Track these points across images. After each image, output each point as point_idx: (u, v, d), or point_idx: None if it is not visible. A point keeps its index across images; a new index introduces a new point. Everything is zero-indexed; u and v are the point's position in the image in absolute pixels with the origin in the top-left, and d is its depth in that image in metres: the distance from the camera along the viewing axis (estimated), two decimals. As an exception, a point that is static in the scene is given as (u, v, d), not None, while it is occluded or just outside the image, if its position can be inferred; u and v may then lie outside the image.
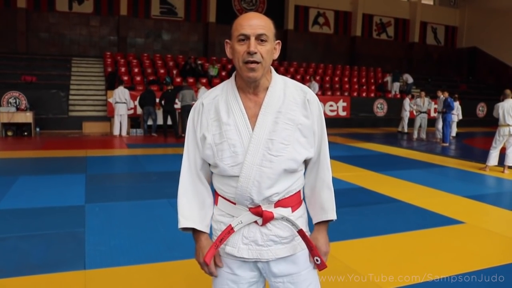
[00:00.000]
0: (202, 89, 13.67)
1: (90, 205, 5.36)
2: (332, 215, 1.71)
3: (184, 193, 1.68)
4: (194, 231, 1.67)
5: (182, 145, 1.73)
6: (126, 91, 13.60)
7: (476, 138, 15.15)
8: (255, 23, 1.51)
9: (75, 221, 4.69)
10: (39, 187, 6.30)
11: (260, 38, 1.51)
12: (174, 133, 13.43)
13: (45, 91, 14.71)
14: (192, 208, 1.67)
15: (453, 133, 14.95)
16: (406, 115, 15.87)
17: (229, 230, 1.61)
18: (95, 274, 3.37)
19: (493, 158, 8.41)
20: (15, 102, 13.62)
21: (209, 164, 1.68)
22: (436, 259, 3.83)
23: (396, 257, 3.91)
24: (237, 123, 1.56)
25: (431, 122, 15.36)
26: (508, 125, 8.28)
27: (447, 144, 12.88)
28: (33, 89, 14.60)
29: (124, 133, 13.66)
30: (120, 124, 13.62)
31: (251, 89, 1.59)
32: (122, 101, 13.44)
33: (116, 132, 13.62)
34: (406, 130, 15.78)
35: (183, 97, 13.13)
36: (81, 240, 4.09)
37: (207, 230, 1.68)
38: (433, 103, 15.22)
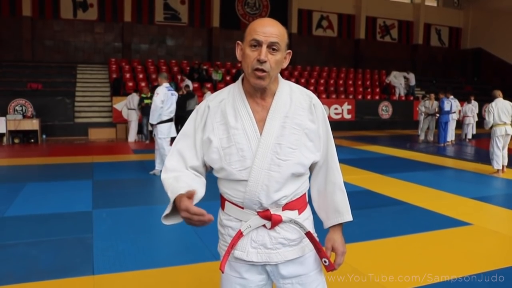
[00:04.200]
0: (208, 94, 13.74)
1: (97, 210, 5.39)
2: (348, 217, 1.72)
3: (172, 172, 1.61)
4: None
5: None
6: (136, 98, 13.71)
7: (481, 139, 15.07)
8: (269, 30, 1.51)
9: (83, 227, 4.71)
10: (46, 193, 6.34)
11: (272, 47, 1.51)
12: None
13: (51, 98, 14.81)
14: (182, 182, 1.55)
15: (469, 136, 15.02)
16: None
17: (239, 235, 1.61)
18: (104, 279, 3.38)
19: (500, 158, 8.30)
20: (22, 110, 13.72)
21: (211, 168, 1.67)
22: (441, 261, 3.82)
23: (401, 259, 3.90)
24: (245, 127, 1.57)
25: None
26: (505, 123, 8.24)
27: (441, 145, 13.05)
28: (39, 96, 14.71)
29: (133, 139, 13.74)
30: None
31: (258, 93, 1.60)
32: (132, 107, 13.59)
33: (132, 138, 13.69)
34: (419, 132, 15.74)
35: (191, 103, 13.20)
36: (89, 246, 4.11)
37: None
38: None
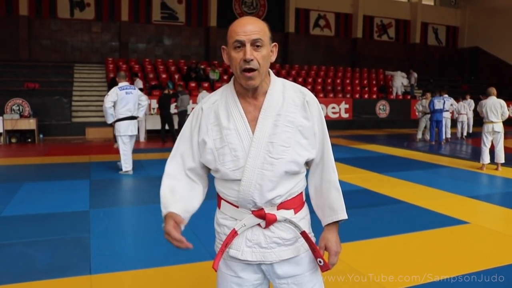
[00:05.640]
0: (204, 93, 13.68)
1: (95, 210, 5.38)
2: (343, 215, 1.70)
3: (170, 179, 1.67)
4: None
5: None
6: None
7: (478, 138, 15.10)
8: (249, 28, 1.51)
9: (80, 227, 4.70)
10: (43, 193, 6.32)
11: (255, 44, 1.51)
12: (172, 138, 13.41)
13: (48, 97, 14.79)
14: (176, 195, 1.64)
15: (464, 133, 15.15)
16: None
17: (233, 234, 1.61)
18: (101, 279, 3.38)
19: (486, 155, 8.48)
20: (19, 109, 13.70)
21: (209, 169, 1.68)
22: (439, 259, 3.83)
23: (399, 258, 3.91)
24: (237, 127, 1.57)
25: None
26: (492, 122, 8.40)
27: (432, 142, 13.25)
28: (36, 96, 14.68)
29: (143, 138, 13.69)
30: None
31: (250, 93, 1.60)
32: None
33: (141, 138, 13.70)
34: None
35: (181, 102, 13.11)
36: (86, 245, 4.11)
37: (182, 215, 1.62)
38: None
